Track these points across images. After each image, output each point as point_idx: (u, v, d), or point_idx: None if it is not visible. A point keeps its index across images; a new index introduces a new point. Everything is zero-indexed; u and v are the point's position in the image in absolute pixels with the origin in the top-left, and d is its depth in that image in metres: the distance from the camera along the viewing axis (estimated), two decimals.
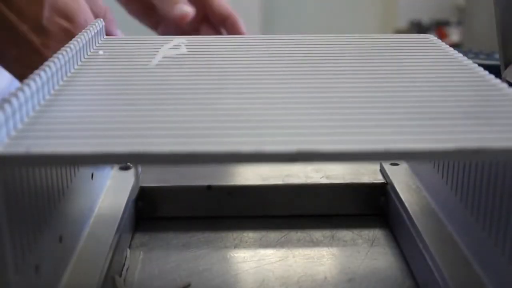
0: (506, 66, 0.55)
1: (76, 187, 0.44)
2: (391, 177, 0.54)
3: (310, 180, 0.56)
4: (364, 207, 0.55)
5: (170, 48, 0.49)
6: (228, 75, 0.43)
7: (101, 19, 0.54)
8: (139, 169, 0.55)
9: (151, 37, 0.53)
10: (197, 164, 0.32)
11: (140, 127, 0.33)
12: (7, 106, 0.32)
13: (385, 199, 0.55)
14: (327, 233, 0.52)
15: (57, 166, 0.40)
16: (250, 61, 0.47)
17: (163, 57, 0.47)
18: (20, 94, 0.34)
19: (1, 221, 0.31)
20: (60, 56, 0.42)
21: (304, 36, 0.53)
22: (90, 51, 0.49)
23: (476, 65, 0.44)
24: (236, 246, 0.50)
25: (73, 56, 0.44)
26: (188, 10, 0.58)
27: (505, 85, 0.39)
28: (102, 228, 0.46)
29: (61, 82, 0.41)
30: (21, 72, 0.54)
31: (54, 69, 0.40)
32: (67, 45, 0.44)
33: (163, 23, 0.67)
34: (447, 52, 0.48)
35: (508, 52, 0.49)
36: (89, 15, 0.59)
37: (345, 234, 0.52)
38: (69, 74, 0.43)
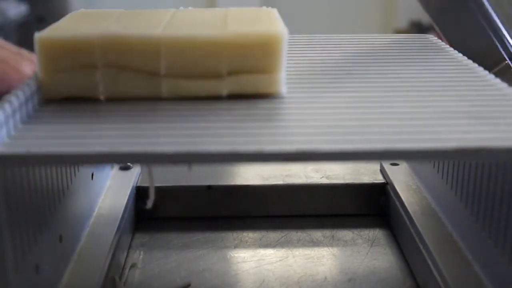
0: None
1: (76, 187, 0.44)
2: (391, 177, 0.54)
3: (310, 180, 0.56)
4: (364, 207, 0.55)
5: None
6: None
7: None
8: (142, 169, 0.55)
9: None
10: (197, 164, 0.32)
11: (141, 127, 0.33)
12: (7, 106, 0.32)
13: (385, 199, 0.55)
14: (327, 233, 0.52)
15: (57, 166, 0.40)
16: None
17: None
18: (21, 94, 0.34)
19: (1, 221, 0.31)
20: None
21: (304, 36, 0.53)
22: None
23: (476, 65, 0.44)
24: (236, 246, 0.50)
25: None
26: None
27: (505, 85, 0.39)
28: (102, 228, 0.46)
29: None
30: None
31: None
32: None
33: None
34: (447, 52, 0.48)
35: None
36: None
37: (345, 234, 0.52)
38: None
